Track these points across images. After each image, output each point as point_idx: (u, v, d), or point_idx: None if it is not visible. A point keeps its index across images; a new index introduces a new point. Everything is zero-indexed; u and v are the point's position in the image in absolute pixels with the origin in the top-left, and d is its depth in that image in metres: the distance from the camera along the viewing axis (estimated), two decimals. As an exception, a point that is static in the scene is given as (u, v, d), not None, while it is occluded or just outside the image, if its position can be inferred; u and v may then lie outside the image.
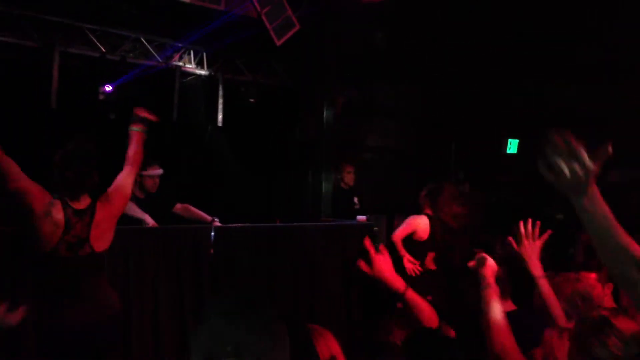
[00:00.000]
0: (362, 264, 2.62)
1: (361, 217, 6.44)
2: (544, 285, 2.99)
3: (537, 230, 2.98)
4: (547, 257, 3.17)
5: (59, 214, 3.59)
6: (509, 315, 2.75)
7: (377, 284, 2.62)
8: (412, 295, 2.58)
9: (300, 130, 8.87)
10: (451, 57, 8.62)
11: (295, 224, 6.38)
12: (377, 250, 2.68)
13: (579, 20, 7.23)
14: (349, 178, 8.00)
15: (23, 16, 6.62)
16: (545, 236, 2.99)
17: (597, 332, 2.18)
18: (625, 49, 7.56)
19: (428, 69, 9.03)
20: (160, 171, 5.81)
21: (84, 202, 3.72)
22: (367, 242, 2.68)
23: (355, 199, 8.00)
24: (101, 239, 3.80)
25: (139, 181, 5.70)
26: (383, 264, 2.63)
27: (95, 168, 3.81)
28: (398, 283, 2.61)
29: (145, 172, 5.68)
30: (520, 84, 9.15)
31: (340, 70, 8.47)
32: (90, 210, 3.73)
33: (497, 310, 2.50)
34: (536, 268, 2.97)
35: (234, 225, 5.72)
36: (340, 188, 8.11)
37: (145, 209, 5.50)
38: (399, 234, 6.03)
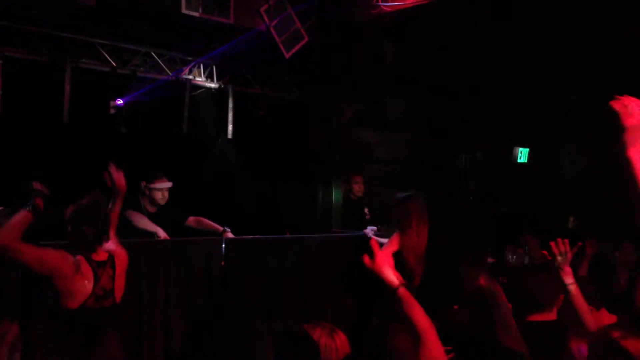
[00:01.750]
0: (366, 258, 2.69)
1: (371, 228, 6.43)
2: (575, 291, 3.08)
3: (567, 244, 3.27)
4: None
5: (86, 269, 3.60)
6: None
7: (377, 280, 2.68)
8: (405, 292, 2.62)
9: (309, 142, 8.90)
10: (460, 68, 8.63)
11: (305, 235, 6.39)
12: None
13: (590, 26, 7.22)
14: (357, 189, 8.00)
15: (35, 32, 6.70)
16: (576, 248, 3.30)
17: (609, 353, 2.24)
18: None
19: (437, 79, 9.05)
20: (168, 184, 5.83)
21: (102, 255, 3.73)
22: (373, 241, 2.73)
23: (366, 210, 8.00)
24: (121, 289, 3.82)
25: (147, 194, 5.75)
26: (384, 259, 2.68)
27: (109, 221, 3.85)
28: (393, 278, 2.64)
29: (152, 185, 5.72)
30: (530, 93, 9.14)
31: (349, 81, 8.50)
32: (111, 261, 3.76)
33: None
34: (568, 275, 3.08)
35: (244, 237, 5.74)
36: (349, 199, 8.13)
37: (157, 223, 5.53)
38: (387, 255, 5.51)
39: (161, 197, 5.77)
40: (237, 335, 1.81)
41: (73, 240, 3.69)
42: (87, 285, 3.58)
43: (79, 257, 3.62)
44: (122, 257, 3.89)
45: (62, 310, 3.56)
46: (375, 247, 2.70)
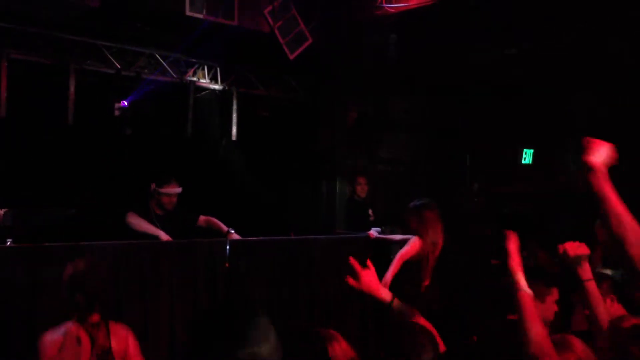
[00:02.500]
0: (350, 280, 2.74)
1: (375, 229, 6.43)
2: (592, 288, 3.11)
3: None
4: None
5: (79, 332, 3.53)
6: None
7: (367, 297, 2.73)
8: (398, 304, 2.71)
9: (313, 143, 8.90)
10: (465, 68, 8.62)
11: (309, 236, 6.39)
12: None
13: (592, 26, 7.21)
14: (360, 190, 8.01)
15: (39, 34, 6.71)
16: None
17: (634, 339, 2.29)
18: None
19: (441, 80, 9.04)
20: (177, 190, 5.81)
21: (95, 317, 3.63)
22: (352, 260, 2.79)
23: (370, 211, 8.00)
24: (122, 354, 3.71)
25: (156, 198, 5.75)
26: (369, 278, 2.78)
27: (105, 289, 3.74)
28: (384, 295, 2.75)
29: (162, 189, 5.72)
30: (534, 94, 9.13)
31: (353, 82, 8.50)
32: (105, 323, 3.66)
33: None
34: (585, 272, 3.13)
35: (248, 238, 5.75)
36: (353, 200, 8.13)
37: (165, 226, 5.53)
38: (405, 254, 5.48)
39: (168, 202, 5.76)
40: (247, 334, 1.81)
41: (66, 306, 3.61)
42: (82, 350, 3.50)
43: (68, 325, 3.54)
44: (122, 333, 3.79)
45: None
46: (358, 267, 2.77)
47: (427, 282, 5.45)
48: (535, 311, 2.58)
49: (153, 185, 5.73)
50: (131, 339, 3.81)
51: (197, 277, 5.13)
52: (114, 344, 3.67)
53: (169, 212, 5.78)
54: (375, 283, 2.80)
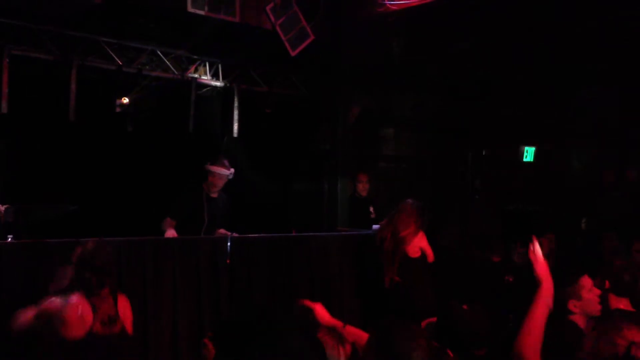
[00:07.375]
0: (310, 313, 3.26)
1: (376, 227, 6.43)
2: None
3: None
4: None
5: (82, 302, 3.57)
6: None
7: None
8: (350, 329, 3.15)
9: (316, 140, 8.89)
10: (467, 66, 8.60)
11: (311, 233, 6.39)
12: None
13: (594, 24, 7.19)
14: (361, 188, 8.01)
15: (41, 30, 6.70)
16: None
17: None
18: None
19: (444, 77, 9.02)
20: (225, 172, 5.98)
21: (105, 291, 3.71)
22: (306, 302, 3.35)
23: (371, 208, 7.99)
24: (128, 318, 3.83)
25: (208, 178, 5.92)
26: (321, 311, 3.31)
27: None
28: (335, 323, 3.20)
29: (211, 167, 5.93)
30: (536, 92, 9.11)
31: (356, 79, 8.48)
32: (113, 296, 3.73)
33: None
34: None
35: (250, 235, 5.74)
36: (355, 197, 8.12)
37: (214, 209, 5.85)
38: None
39: (213, 182, 5.95)
40: None
41: (75, 283, 3.66)
42: (86, 316, 3.56)
43: (72, 296, 3.58)
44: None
45: (66, 341, 3.50)
46: (307, 303, 3.32)
47: (396, 278, 5.45)
48: (541, 321, 2.77)
49: (208, 165, 5.91)
50: (128, 309, 3.90)
51: (199, 274, 5.13)
52: (120, 312, 3.75)
53: (219, 196, 5.92)
54: (326, 315, 3.30)
